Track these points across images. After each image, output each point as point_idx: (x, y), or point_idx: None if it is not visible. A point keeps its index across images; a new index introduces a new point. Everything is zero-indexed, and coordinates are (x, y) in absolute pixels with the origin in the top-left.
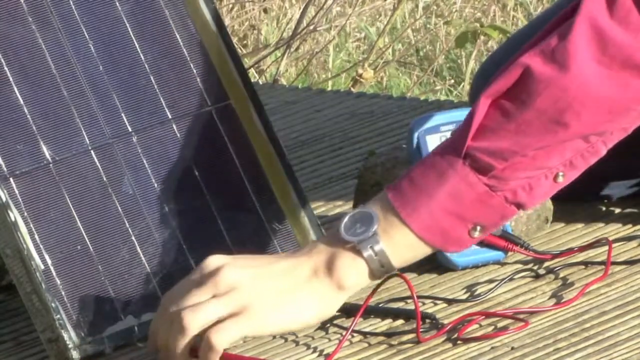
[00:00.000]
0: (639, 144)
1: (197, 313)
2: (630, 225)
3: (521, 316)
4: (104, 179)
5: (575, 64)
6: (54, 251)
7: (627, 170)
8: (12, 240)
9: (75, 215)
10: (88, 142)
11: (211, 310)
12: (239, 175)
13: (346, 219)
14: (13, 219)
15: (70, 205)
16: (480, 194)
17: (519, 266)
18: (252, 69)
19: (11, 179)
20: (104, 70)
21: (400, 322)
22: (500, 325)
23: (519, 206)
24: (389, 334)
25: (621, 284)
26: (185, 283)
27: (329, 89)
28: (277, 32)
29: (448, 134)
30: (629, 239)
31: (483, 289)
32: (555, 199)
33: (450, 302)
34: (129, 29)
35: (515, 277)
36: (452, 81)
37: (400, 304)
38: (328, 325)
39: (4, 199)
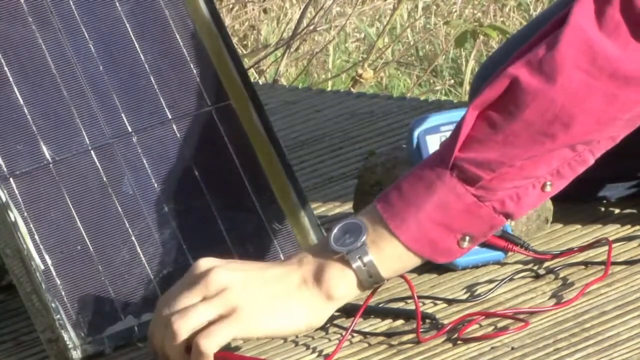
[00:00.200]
0: (634, 147)
1: (187, 318)
2: (630, 226)
3: (521, 316)
4: (104, 179)
5: (562, 76)
6: (54, 251)
7: (623, 172)
8: (12, 241)
9: (75, 215)
10: (88, 142)
11: (200, 314)
12: (239, 175)
13: (335, 229)
14: (13, 219)
15: (70, 206)
16: (469, 205)
17: (519, 266)
18: (252, 69)
19: (11, 179)
20: (104, 70)
21: (400, 322)
22: (500, 325)
23: (508, 216)
24: (389, 334)
25: (621, 284)
26: (178, 286)
27: (329, 89)
28: (277, 33)
29: (448, 134)
30: (629, 239)
31: (483, 289)
32: (555, 199)
33: (450, 302)
34: (129, 29)
35: (515, 277)
36: (452, 81)
37: (400, 304)
38: (328, 325)
39: (4, 199)
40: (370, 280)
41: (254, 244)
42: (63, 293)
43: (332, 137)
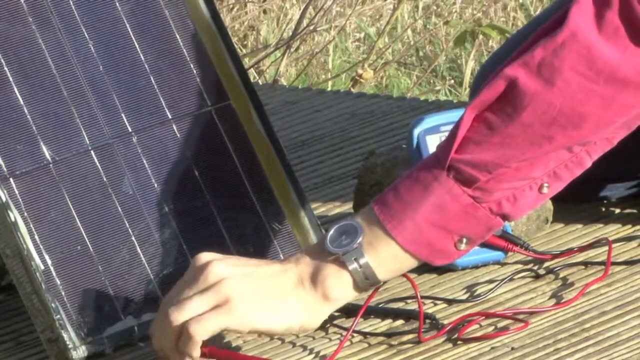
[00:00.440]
0: (634, 147)
1: (182, 308)
2: (630, 226)
3: (521, 316)
4: (104, 179)
5: (561, 79)
6: (54, 251)
7: (624, 172)
8: (12, 241)
9: (75, 215)
10: (88, 142)
11: (194, 305)
12: (239, 175)
13: (332, 230)
14: (13, 219)
15: (70, 206)
16: (465, 206)
17: (519, 266)
18: (252, 69)
19: (11, 179)
20: (104, 70)
21: (400, 322)
22: (500, 325)
23: (505, 217)
24: (389, 334)
25: (621, 284)
26: (179, 284)
27: (329, 89)
28: (277, 33)
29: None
30: (629, 239)
31: (483, 289)
32: (555, 199)
33: (450, 302)
34: (129, 29)
35: (515, 277)
36: (452, 81)
37: (400, 304)
38: (328, 325)
39: (4, 199)
40: (367, 282)
41: (254, 244)
42: (63, 293)
43: (332, 137)
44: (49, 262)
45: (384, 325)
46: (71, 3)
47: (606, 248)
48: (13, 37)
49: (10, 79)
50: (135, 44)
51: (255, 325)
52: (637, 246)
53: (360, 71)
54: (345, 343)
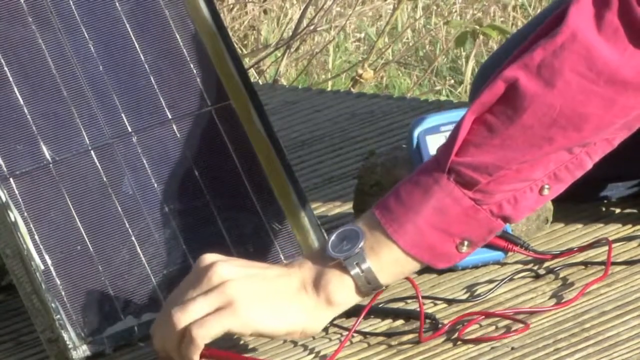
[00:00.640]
0: (634, 147)
1: (185, 310)
2: (630, 226)
3: (521, 316)
4: (104, 179)
5: (561, 80)
6: (54, 251)
7: (624, 172)
8: (12, 241)
9: (75, 215)
10: (88, 142)
11: (198, 306)
12: (239, 175)
13: (333, 236)
14: (13, 219)
15: (70, 206)
16: (466, 209)
17: (519, 266)
18: (252, 69)
19: (11, 179)
20: (104, 70)
21: (400, 322)
22: (500, 325)
23: (505, 219)
24: (389, 334)
25: (621, 284)
26: (183, 284)
27: (329, 89)
28: (277, 33)
29: (448, 134)
30: (629, 239)
31: (483, 289)
32: (555, 199)
33: (450, 302)
34: (129, 29)
35: (515, 277)
36: (452, 81)
37: (400, 304)
38: (328, 325)
39: (4, 199)
40: (369, 287)
41: (254, 244)
42: (63, 293)
43: (332, 137)
44: (49, 262)
45: (384, 325)
46: (71, 3)
47: (606, 248)
48: (13, 37)
49: (10, 79)
50: (135, 44)
51: (258, 327)
52: (637, 246)
53: (360, 71)
54: (345, 343)
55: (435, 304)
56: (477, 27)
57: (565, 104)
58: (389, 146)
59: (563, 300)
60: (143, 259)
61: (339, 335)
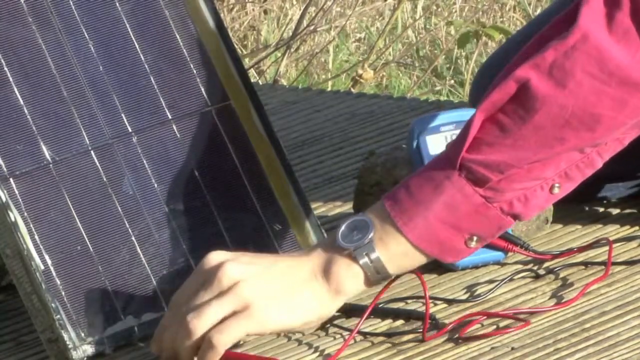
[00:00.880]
0: (635, 147)
1: (202, 316)
2: (630, 226)
3: (521, 316)
4: (104, 179)
5: (572, 81)
6: (54, 251)
7: (624, 172)
8: (12, 241)
9: (75, 215)
10: (88, 142)
11: (214, 311)
12: (239, 175)
13: (343, 226)
14: (13, 219)
15: (70, 206)
16: (477, 206)
17: (519, 266)
18: (252, 69)
19: (11, 179)
20: (104, 70)
21: (400, 322)
22: (500, 325)
23: (515, 217)
24: (389, 334)
25: (621, 284)
26: (191, 282)
27: (329, 89)
28: (277, 33)
29: (448, 134)
30: (629, 239)
31: (483, 289)
32: None
33: (450, 302)
34: (129, 29)
35: (515, 277)
36: (452, 81)
37: (400, 304)
38: (328, 325)
39: (4, 199)
40: (378, 277)
41: (254, 244)
42: (63, 293)
43: (332, 137)
44: (49, 262)
45: (384, 325)
46: (71, 3)
47: (606, 248)
48: (13, 37)
49: (10, 79)
50: (135, 44)
51: (275, 326)
52: (637, 246)
53: (360, 71)
54: (349, 342)
55: (436, 304)
56: (480, 28)
57: (577, 104)
58: (389, 146)
59: (563, 301)
60: (143, 259)
61: (339, 335)
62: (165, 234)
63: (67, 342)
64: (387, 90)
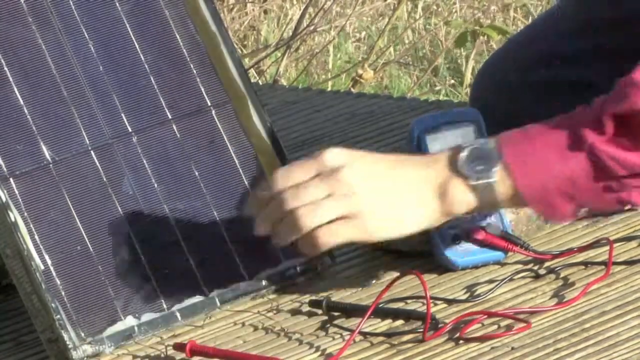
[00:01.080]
0: None
1: (314, 215)
2: (630, 226)
3: (521, 316)
4: (104, 179)
5: None
6: (54, 251)
7: None
8: (12, 241)
9: (75, 215)
10: (88, 142)
11: (326, 212)
12: (239, 175)
13: (466, 152)
14: (13, 219)
15: (70, 206)
16: (597, 188)
17: (519, 266)
18: (252, 69)
19: (11, 179)
20: (104, 71)
21: (400, 322)
22: (500, 325)
23: (632, 205)
24: (389, 334)
25: (621, 284)
26: (302, 170)
27: (329, 89)
28: (277, 33)
29: (448, 134)
30: (629, 239)
31: (483, 289)
32: None
33: (450, 302)
34: (129, 29)
35: (516, 277)
36: (452, 81)
37: (400, 304)
38: (328, 325)
39: (4, 199)
40: (489, 209)
41: (254, 244)
42: (63, 293)
43: (332, 137)
44: (49, 262)
45: (384, 325)
46: (71, 3)
47: (606, 248)
48: (13, 37)
49: (10, 79)
50: (135, 44)
51: (380, 239)
52: (637, 246)
53: (360, 71)
54: (350, 342)
55: (435, 304)
56: (478, 27)
57: None
58: (389, 146)
59: (563, 300)
60: (143, 259)
61: (339, 335)
62: (165, 234)
63: (67, 342)
64: (387, 90)
